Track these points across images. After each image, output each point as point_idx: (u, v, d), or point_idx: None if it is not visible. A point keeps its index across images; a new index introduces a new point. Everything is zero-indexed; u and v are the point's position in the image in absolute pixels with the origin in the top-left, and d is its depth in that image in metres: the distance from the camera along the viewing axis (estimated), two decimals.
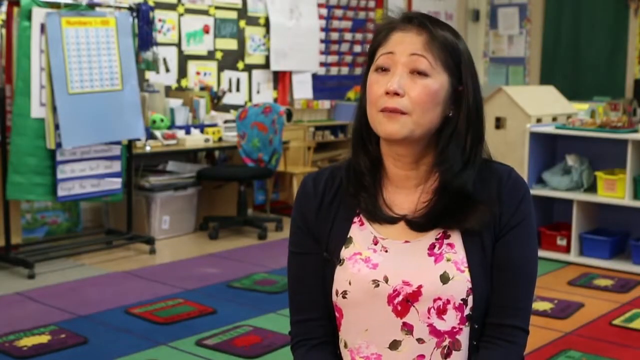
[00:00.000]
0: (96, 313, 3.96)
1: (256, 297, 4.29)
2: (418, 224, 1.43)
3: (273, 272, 4.77)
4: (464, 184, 1.40)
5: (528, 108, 5.90)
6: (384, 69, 1.40)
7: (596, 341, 3.65)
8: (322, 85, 7.56)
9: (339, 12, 7.66)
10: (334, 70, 7.68)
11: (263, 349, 3.49)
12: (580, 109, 6.18)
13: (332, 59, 7.66)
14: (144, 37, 5.20)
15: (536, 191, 5.06)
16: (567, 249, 5.07)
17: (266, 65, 7.11)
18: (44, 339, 3.58)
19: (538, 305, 4.11)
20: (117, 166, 5.07)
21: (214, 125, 6.16)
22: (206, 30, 6.63)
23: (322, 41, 7.53)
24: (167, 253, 5.32)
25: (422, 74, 1.38)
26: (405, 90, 1.37)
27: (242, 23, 6.91)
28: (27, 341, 3.55)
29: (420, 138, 1.41)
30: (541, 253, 4.97)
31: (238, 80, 6.91)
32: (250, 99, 6.99)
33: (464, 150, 1.41)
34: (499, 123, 5.94)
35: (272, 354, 3.44)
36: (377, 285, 1.41)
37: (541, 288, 4.41)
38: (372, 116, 1.41)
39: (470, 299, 1.39)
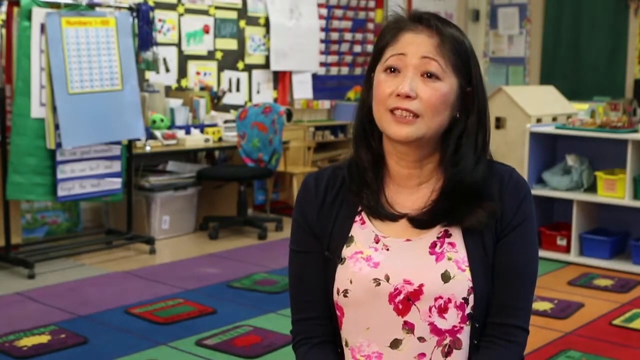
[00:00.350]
0: (96, 313, 3.96)
1: (256, 297, 4.29)
2: (420, 222, 1.43)
3: (273, 272, 4.77)
4: (475, 181, 1.41)
5: (528, 108, 5.90)
6: (393, 70, 1.40)
7: (596, 341, 3.65)
8: (322, 85, 7.56)
9: (339, 12, 7.66)
10: (334, 70, 7.68)
11: (263, 349, 3.49)
12: (580, 109, 6.19)
13: (332, 59, 7.66)
14: (144, 37, 5.20)
15: (536, 191, 5.06)
16: (567, 249, 5.07)
17: (266, 65, 7.11)
18: (44, 339, 3.58)
19: (538, 305, 4.11)
20: (117, 166, 5.07)
21: (214, 125, 6.16)
22: (206, 30, 6.63)
23: (322, 41, 7.53)
24: (167, 253, 5.32)
25: (433, 76, 1.38)
26: (417, 93, 1.37)
27: (242, 23, 6.91)
28: (27, 341, 3.54)
29: (429, 140, 1.41)
30: (541, 253, 4.97)
31: (238, 80, 6.91)
32: (250, 99, 6.99)
33: (475, 149, 1.42)
34: (499, 123, 5.94)
35: (272, 354, 3.44)
36: (379, 284, 1.41)
37: (541, 288, 4.41)
38: (380, 115, 1.41)
39: (471, 298, 1.40)
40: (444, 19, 1.43)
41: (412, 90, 1.37)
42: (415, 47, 1.39)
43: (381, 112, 1.40)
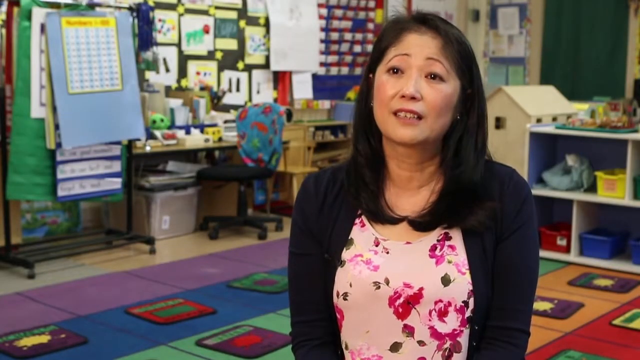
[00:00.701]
0: (96, 313, 3.96)
1: (256, 297, 4.29)
2: (421, 224, 1.43)
3: (273, 272, 4.77)
4: (474, 182, 1.41)
5: (528, 108, 5.90)
6: (396, 70, 1.39)
7: (596, 341, 3.65)
8: (322, 85, 7.56)
9: (339, 12, 7.66)
10: (334, 70, 7.68)
11: (263, 349, 3.49)
12: (580, 109, 6.18)
13: (332, 59, 7.66)
14: (144, 37, 5.20)
15: (536, 191, 5.06)
16: (567, 249, 5.07)
17: (266, 65, 7.11)
18: (44, 339, 3.58)
19: (538, 305, 4.11)
20: (117, 166, 5.07)
21: (214, 125, 6.16)
22: (206, 30, 6.63)
23: (322, 41, 7.53)
24: (167, 253, 5.32)
25: (437, 78, 1.37)
26: (421, 94, 1.37)
27: (242, 23, 6.91)
28: (27, 341, 3.55)
29: (432, 142, 1.41)
30: (541, 253, 4.91)
31: (238, 80, 6.91)
32: (250, 99, 6.99)
33: (475, 150, 1.42)
34: (499, 123, 5.94)
35: (272, 354, 3.44)
36: (378, 287, 1.40)
37: (541, 288, 4.40)
38: (383, 118, 1.40)
39: (471, 301, 1.39)
40: (446, 21, 1.43)
41: (417, 91, 1.36)
42: (420, 48, 1.38)
43: (384, 115, 1.39)
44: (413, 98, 1.36)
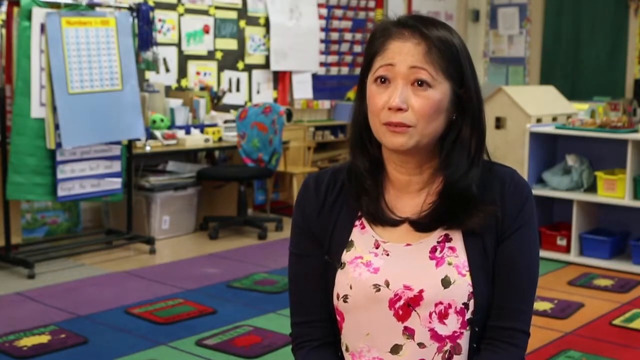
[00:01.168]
0: (96, 313, 3.96)
1: (256, 297, 4.29)
2: (422, 225, 1.42)
3: (273, 272, 4.77)
4: (468, 186, 1.40)
5: (528, 108, 5.90)
6: (383, 80, 1.38)
7: (596, 341, 3.65)
8: (322, 85, 7.56)
9: (339, 12, 7.66)
10: (334, 70, 7.68)
11: (263, 349, 3.49)
12: (580, 109, 6.18)
13: (332, 59, 7.66)
14: (144, 37, 5.20)
15: (536, 191, 5.05)
16: (567, 249, 5.07)
17: (266, 65, 7.11)
18: (44, 339, 3.58)
19: (538, 305, 4.11)
20: (117, 166, 5.07)
21: (214, 125, 6.16)
22: (206, 30, 6.63)
23: (322, 41, 7.53)
24: (167, 253, 5.32)
25: (424, 84, 1.36)
26: (408, 104, 1.36)
27: (242, 23, 6.91)
28: (27, 341, 3.55)
29: (426, 145, 1.40)
30: (541, 253, 4.89)
31: (238, 80, 6.91)
32: (250, 99, 6.99)
33: (469, 153, 1.41)
34: (499, 123, 5.94)
35: (272, 354, 3.44)
36: (379, 290, 1.40)
37: (541, 288, 4.40)
38: (376, 127, 1.40)
39: (471, 303, 1.39)
40: (431, 20, 1.40)
41: (403, 102, 1.35)
42: (403, 56, 1.36)
43: (376, 125, 1.40)
44: (400, 110, 1.35)
